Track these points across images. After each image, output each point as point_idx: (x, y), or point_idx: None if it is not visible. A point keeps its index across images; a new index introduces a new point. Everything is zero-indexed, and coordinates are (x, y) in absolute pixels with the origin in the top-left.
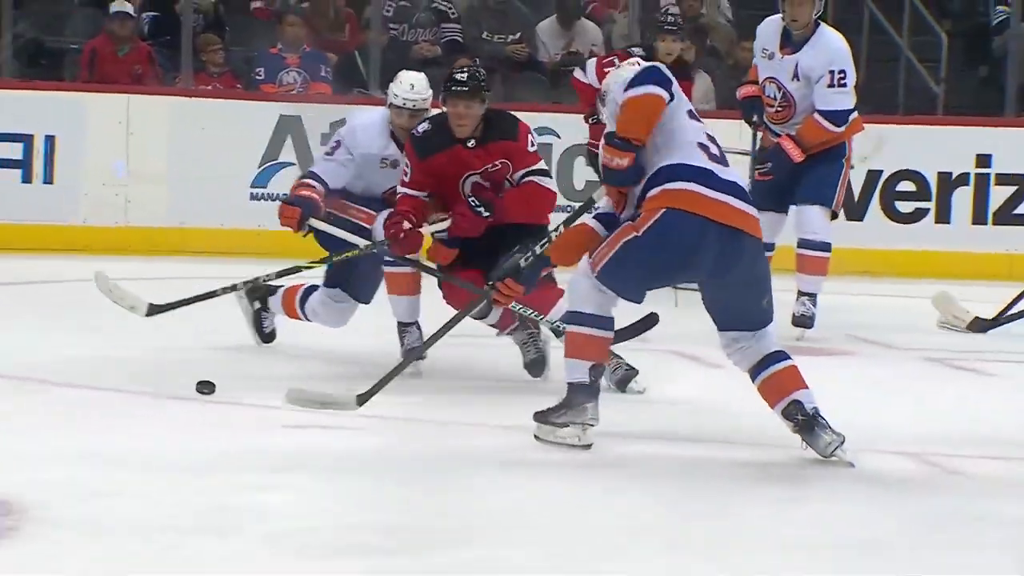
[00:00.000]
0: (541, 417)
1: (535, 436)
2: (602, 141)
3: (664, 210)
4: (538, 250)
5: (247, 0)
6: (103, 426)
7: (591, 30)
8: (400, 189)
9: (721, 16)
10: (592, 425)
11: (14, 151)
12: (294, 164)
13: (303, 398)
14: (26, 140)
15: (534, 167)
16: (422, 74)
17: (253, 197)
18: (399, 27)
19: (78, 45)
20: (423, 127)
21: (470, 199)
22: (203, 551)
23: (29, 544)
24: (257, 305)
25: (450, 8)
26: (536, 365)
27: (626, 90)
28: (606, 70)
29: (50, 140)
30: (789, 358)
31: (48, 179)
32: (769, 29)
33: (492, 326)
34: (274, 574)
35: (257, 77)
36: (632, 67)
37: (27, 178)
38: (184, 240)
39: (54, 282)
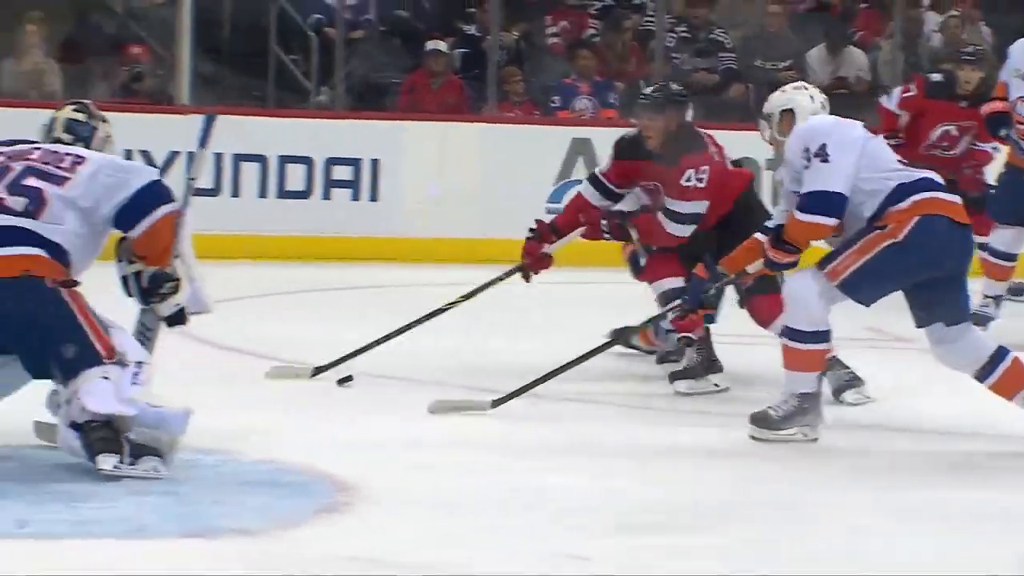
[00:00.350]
0: (764, 423)
1: (752, 437)
2: (768, 240)
3: (919, 217)
4: (723, 284)
5: (544, 36)
6: (417, 414)
7: (858, 57)
8: (593, 175)
9: (982, 41)
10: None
11: (346, 173)
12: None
13: (443, 407)
14: (355, 163)
15: (670, 204)
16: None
17: (549, 211)
18: (680, 57)
19: (399, 80)
20: (633, 132)
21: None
22: (502, 526)
23: (360, 517)
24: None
25: (726, 38)
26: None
27: (800, 211)
28: (905, 95)
29: (375, 163)
30: (1010, 352)
31: (373, 197)
32: (1023, 50)
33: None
34: (568, 548)
35: (553, 104)
36: (810, 138)
37: (356, 196)
38: (491, 250)
39: (388, 287)
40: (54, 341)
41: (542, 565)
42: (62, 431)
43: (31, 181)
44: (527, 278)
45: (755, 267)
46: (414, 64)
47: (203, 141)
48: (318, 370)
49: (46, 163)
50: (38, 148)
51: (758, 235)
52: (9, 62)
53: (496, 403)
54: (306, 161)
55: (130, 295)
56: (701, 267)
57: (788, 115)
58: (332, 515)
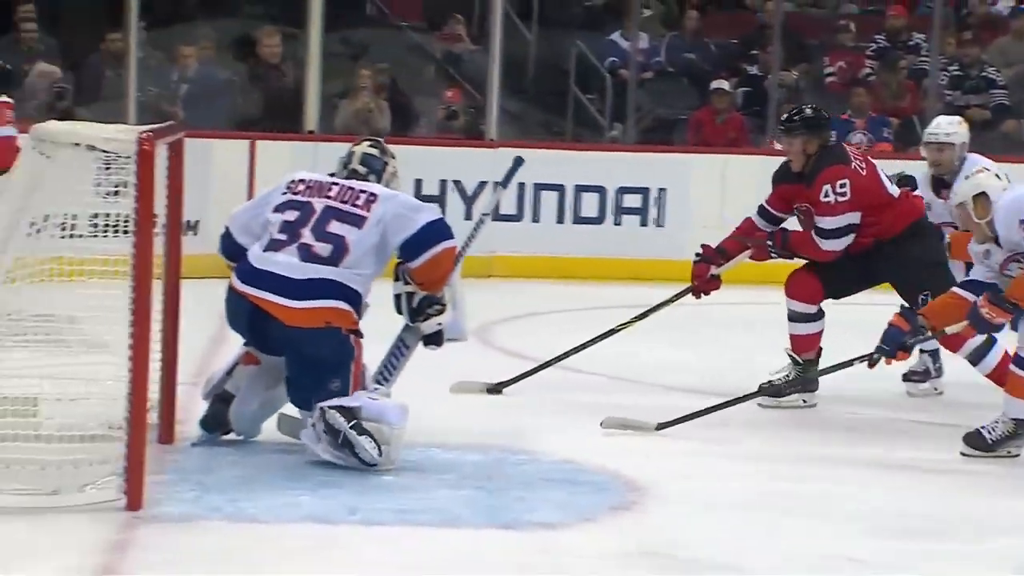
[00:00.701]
0: (976, 444)
1: (962, 453)
2: (986, 298)
3: None
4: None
5: (823, 75)
6: (699, 424)
7: None
8: (760, 204)
9: None
10: None
11: (635, 201)
12: None
13: (614, 424)
14: (644, 192)
15: (818, 222)
16: (955, 116)
17: None
18: (953, 94)
19: (685, 116)
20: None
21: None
22: (782, 527)
23: (650, 515)
24: None
25: (998, 76)
26: None
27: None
28: None
29: (662, 192)
30: None
31: (660, 223)
32: None
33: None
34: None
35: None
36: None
37: (644, 222)
38: (758, 271)
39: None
40: (328, 379)
41: (820, 566)
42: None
43: (334, 227)
44: (697, 296)
45: (957, 327)
46: (700, 102)
47: (506, 181)
48: (498, 386)
49: (344, 201)
50: (336, 183)
51: (960, 291)
52: (344, 102)
53: (661, 426)
54: (599, 190)
55: (399, 312)
56: (899, 317)
57: (982, 198)
58: (624, 512)
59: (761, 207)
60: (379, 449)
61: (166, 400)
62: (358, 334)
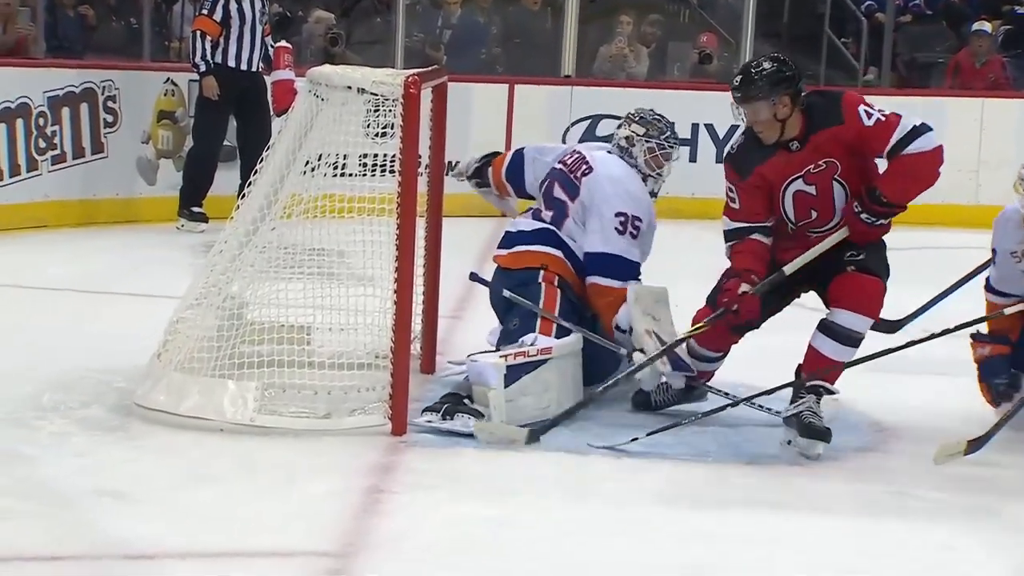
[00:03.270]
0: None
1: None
2: None
3: None
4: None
5: None
6: None
7: None
8: (729, 227)
9: None
10: None
11: None
12: None
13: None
14: None
15: (897, 137)
16: None
17: None
18: None
19: (943, 59)
20: (738, 141)
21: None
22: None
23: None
24: None
25: None
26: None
27: None
28: None
29: None
30: None
31: None
32: None
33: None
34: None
35: None
36: None
37: None
38: None
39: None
40: (510, 317)
41: None
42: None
43: (557, 192)
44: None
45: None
46: (959, 45)
47: None
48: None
49: (571, 169)
50: (576, 152)
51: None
52: (602, 47)
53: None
54: None
55: None
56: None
57: None
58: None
59: (752, 227)
60: (471, 422)
61: (427, 332)
62: (558, 284)
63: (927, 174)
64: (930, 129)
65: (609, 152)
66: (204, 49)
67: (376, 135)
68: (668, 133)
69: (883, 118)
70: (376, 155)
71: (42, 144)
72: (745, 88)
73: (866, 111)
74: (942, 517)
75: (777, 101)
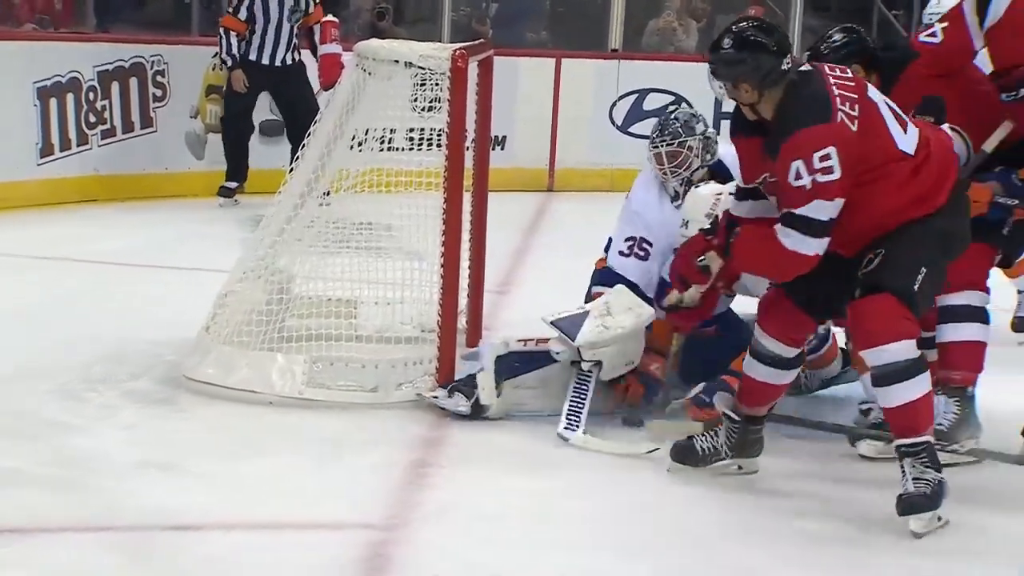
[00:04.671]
0: None
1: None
2: None
3: None
4: None
5: None
6: None
7: None
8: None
9: None
10: None
11: None
12: None
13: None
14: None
15: (791, 208)
16: None
17: None
18: None
19: None
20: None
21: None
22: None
23: None
24: None
25: None
26: None
27: None
28: None
29: None
30: None
31: None
32: None
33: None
34: None
35: None
36: None
37: None
38: None
39: None
40: None
41: None
42: None
43: None
44: None
45: None
46: None
47: None
48: None
49: None
50: None
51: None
52: (651, 21)
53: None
54: None
55: None
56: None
57: None
58: None
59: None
60: (463, 404)
61: (473, 306)
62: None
63: (766, 262)
64: (805, 232)
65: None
66: (230, 44)
67: (423, 109)
68: (657, 132)
69: (807, 186)
70: (423, 129)
71: (92, 118)
72: (711, 60)
73: (797, 170)
74: None
75: (737, 85)
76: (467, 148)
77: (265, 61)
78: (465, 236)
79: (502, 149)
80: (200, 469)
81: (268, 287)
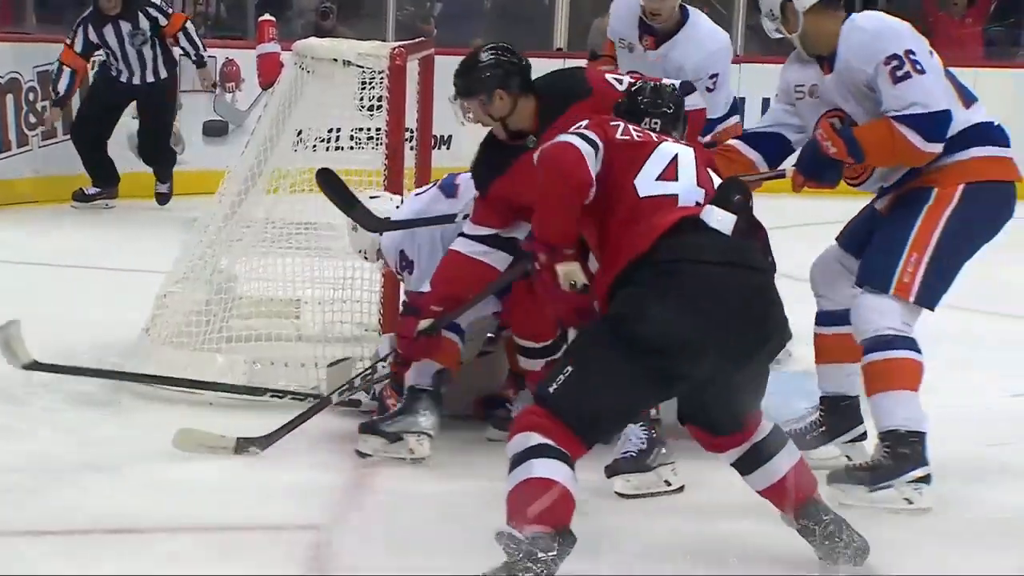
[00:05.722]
0: None
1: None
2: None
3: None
4: None
5: None
6: None
7: None
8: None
9: None
10: None
11: None
12: None
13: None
14: None
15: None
16: None
17: None
18: None
19: None
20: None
21: None
22: None
23: None
24: None
25: None
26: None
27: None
28: None
29: None
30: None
31: None
32: None
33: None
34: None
35: None
36: None
37: None
38: None
39: None
40: None
41: None
42: None
43: None
44: None
45: None
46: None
47: None
48: None
49: None
50: None
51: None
52: (596, 20)
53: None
54: None
55: None
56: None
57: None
58: None
59: None
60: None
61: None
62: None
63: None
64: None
65: None
66: (58, 79)
67: (368, 108)
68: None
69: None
70: (368, 129)
71: (32, 119)
72: None
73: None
74: None
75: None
76: (410, 147)
77: (123, 80)
78: None
79: (448, 148)
80: (144, 471)
81: (209, 288)
